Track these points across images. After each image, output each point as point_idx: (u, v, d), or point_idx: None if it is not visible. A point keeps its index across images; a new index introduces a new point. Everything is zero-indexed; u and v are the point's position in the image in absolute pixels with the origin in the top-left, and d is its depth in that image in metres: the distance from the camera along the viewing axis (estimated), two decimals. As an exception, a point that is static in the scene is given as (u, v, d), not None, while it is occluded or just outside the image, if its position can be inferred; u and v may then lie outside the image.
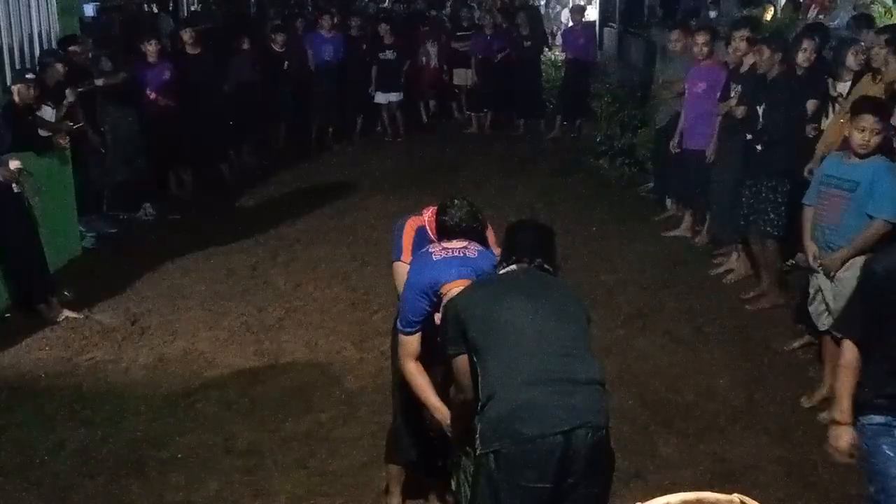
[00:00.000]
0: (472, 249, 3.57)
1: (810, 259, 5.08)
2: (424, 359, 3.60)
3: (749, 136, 6.30)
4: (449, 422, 3.51)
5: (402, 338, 3.59)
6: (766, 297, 6.52)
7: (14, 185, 6.23)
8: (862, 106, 4.90)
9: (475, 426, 3.13)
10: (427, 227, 3.82)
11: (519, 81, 12.76)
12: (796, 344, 5.82)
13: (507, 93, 12.86)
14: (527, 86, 12.82)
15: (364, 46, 12.25)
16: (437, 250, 3.57)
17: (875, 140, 4.70)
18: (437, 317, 3.48)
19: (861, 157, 4.78)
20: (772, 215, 6.22)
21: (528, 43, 12.78)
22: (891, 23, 7.53)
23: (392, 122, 12.59)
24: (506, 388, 3.04)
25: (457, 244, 3.59)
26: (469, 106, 13.30)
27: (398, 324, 3.63)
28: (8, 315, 6.46)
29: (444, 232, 3.66)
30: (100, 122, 8.52)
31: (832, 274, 4.87)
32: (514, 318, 3.13)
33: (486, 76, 12.85)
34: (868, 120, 4.71)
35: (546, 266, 3.36)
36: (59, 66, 7.44)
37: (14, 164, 6.17)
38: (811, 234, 5.04)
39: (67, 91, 7.42)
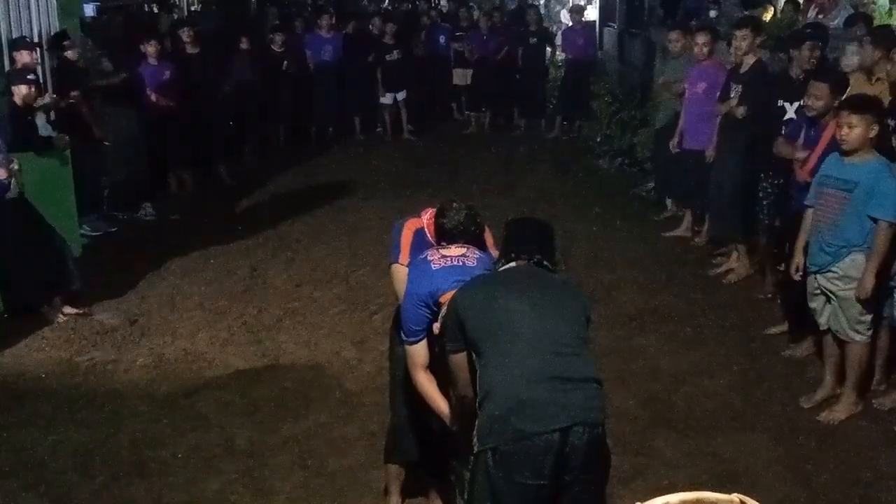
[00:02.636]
0: (471, 257, 3.54)
1: (792, 269, 5.09)
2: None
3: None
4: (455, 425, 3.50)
5: (409, 349, 3.56)
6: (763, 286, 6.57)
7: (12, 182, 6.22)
8: (842, 103, 4.92)
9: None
10: (426, 230, 3.80)
11: (523, 79, 12.78)
12: (794, 344, 5.82)
13: (505, 92, 12.87)
14: (531, 85, 12.84)
15: (362, 46, 12.24)
16: (436, 258, 3.54)
17: (853, 134, 4.69)
18: (436, 326, 3.47)
19: (844, 153, 4.78)
20: (765, 206, 6.25)
21: (535, 39, 12.80)
22: (889, 23, 7.54)
23: (396, 120, 12.58)
24: (503, 385, 3.04)
25: (455, 251, 3.56)
26: (468, 105, 13.30)
27: (402, 335, 3.60)
28: (6, 315, 6.46)
29: (442, 235, 3.64)
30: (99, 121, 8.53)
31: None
32: (513, 315, 3.14)
33: (484, 76, 12.83)
34: (843, 115, 4.72)
35: (546, 262, 3.36)
36: (26, 53, 7.41)
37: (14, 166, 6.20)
38: (809, 235, 5.03)
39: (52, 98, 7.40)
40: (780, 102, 6.22)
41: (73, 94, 7.36)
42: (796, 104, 6.11)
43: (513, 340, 3.10)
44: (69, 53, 8.14)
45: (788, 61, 6.52)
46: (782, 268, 6.45)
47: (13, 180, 6.16)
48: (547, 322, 3.14)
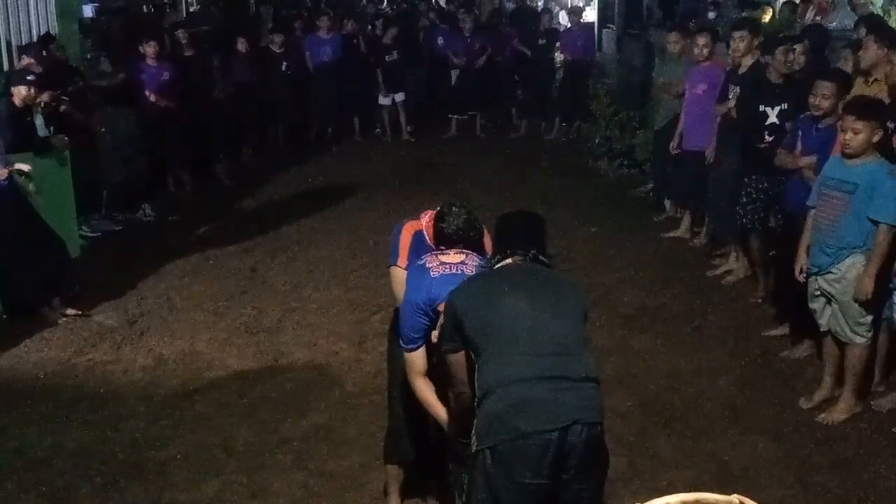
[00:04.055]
0: (470, 265, 3.53)
1: (796, 271, 5.09)
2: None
3: (771, 138, 6.13)
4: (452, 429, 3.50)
5: (407, 356, 3.57)
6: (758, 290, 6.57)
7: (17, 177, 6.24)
8: (846, 106, 4.92)
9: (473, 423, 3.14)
10: (425, 233, 3.79)
11: (528, 80, 12.76)
12: (793, 345, 5.83)
13: (502, 94, 12.86)
14: (538, 85, 12.83)
15: (362, 47, 12.24)
16: (435, 265, 3.52)
17: (858, 140, 4.68)
18: (434, 334, 3.47)
19: (847, 157, 4.78)
20: (762, 213, 6.25)
21: (544, 41, 12.81)
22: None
23: (395, 121, 12.57)
24: (502, 384, 3.05)
25: (454, 258, 3.54)
26: (451, 109, 13.06)
27: (400, 342, 3.60)
28: (6, 316, 6.46)
29: (441, 239, 3.63)
30: (99, 123, 8.52)
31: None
32: (510, 314, 3.13)
33: (467, 79, 12.75)
34: (849, 120, 4.72)
35: (541, 257, 3.35)
36: (33, 62, 7.41)
37: (21, 166, 6.22)
38: (810, 236, 5.03)
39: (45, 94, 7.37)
40: (760, 107, 6.21)
41: (53, 93, 7.31)
42: (777, 108, 6.12)
43: (511, 339, 3.11)
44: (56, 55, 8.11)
45: (765, 66, 6.51)
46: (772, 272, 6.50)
47: (23, 181, 6.19)
48: (545, 320, 3.14)
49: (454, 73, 13.09)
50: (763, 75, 6.46)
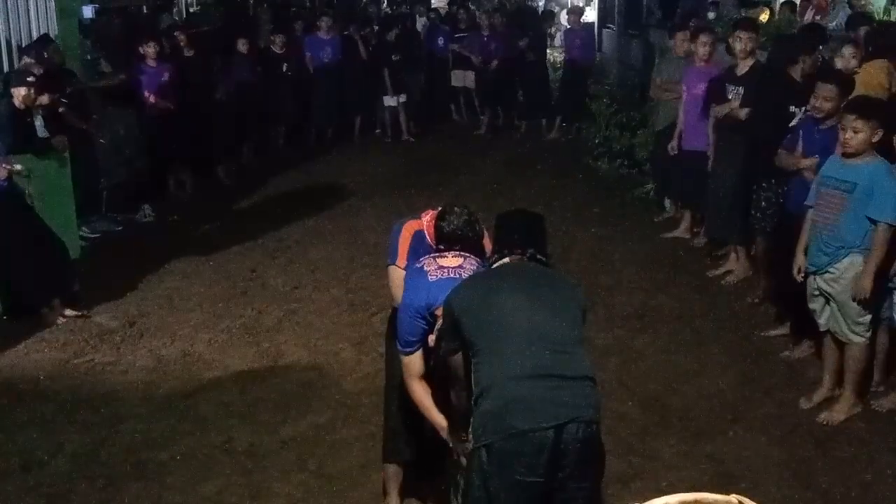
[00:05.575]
0: (468, 268, 3.52)
1: (794, 271, 5.08)
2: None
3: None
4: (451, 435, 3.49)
5: (404, 359, 3.57)
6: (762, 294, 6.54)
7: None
8: (847, 105, 4.91)
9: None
10: (425, 232, 3.79)
11: (532, 80, 12.80)
12: (792, 346, 5.82)
13: (508, 94, 12.87)
14: (541, 85, 12.85)
15: (363, 52, 12.24)
16: (433, 269, 3.51)
17: (858, 139, 4.68)
18: (431, 338, 3.47)
19: (846, 156, 4.78)
20: (775, 216, 6.23)
21: (549, 43, 12.86)
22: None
23: (396, 123, 12.59)
24: (498, 383, 3.05)
25: (453, 261, 3.54)
26: (474, 107, 13.23)
27: (397, 345, 3.61)
28: (6, 317, 6.47)
29: (441, 238, 3.64)
30: (98, 128, 8.50)
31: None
32: (508, 313, 3.14)
33: (487, 77, 12.81)
34: (849, 119, 4.71)
35: (539, 255, 3.35)
36: (33, 62, 7.41)
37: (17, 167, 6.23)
38: (808, 236, 5.03)
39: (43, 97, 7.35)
40: (791, 108, 6.04)
41: (52, 96, 7.31)
42: (804, 108, 6.07)
43: (508, 338, 3.11)
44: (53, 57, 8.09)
45: (790, 63, 6.42)
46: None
47: (24, 181, 6.19)
48: (542, 319, 3.15)
49: (456, 74, 13.13)
50: (787, 74, 6.35)
